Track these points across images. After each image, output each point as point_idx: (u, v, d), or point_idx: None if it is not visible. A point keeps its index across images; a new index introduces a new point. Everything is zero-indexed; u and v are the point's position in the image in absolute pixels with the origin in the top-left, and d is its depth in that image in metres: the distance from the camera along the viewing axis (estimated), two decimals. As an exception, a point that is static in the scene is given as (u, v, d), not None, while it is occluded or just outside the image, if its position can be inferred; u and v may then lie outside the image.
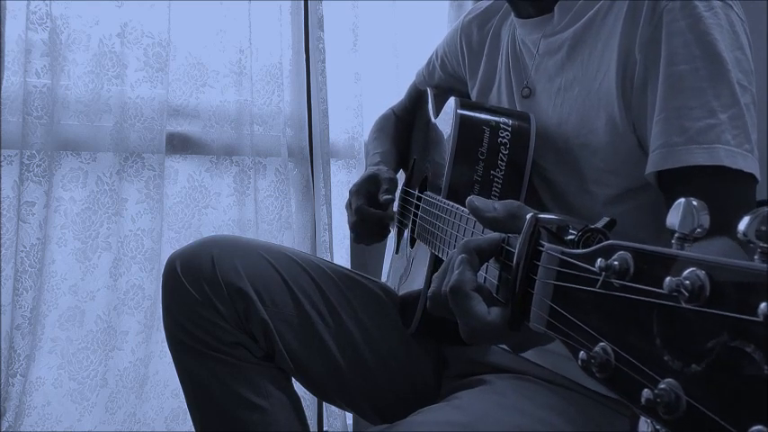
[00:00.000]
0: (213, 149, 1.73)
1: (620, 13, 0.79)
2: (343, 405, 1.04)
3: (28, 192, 1.46)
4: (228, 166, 1.75)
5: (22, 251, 1.46)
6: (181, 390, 0.99)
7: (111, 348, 1.60)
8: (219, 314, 0.93)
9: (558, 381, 0.82)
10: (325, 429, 1.83)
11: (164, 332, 1.00)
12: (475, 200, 0.58)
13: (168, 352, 1.00)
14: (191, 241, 1.05)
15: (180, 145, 1.70)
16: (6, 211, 1.47)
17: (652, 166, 0.73)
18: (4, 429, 1.46)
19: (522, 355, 0.84)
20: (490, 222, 0.57)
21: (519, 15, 0.93)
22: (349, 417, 1.83)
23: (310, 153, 1.84)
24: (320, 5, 1.82)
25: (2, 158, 1.47)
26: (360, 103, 1.91)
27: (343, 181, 1.95)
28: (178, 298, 0.96)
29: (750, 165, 0.71)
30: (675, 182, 0.73)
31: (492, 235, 0.57)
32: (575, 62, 0.84)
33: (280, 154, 1.78)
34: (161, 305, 1.00)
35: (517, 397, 0.79)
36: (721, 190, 0.71)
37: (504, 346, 0.87)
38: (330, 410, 1.83)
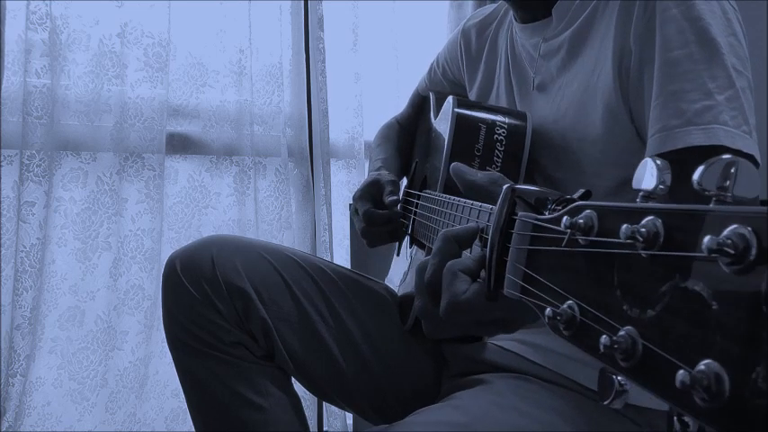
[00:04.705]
0: (213, 149, 1.73)
1: (614, 10, 0.80)
2: (343, 405, 1.04)
3: (28, 192, 1.46)
4: (228, 166, 1.75)
5: (22, 251, 1.46)
6: (181, 390, 0.99)
7: (111, 348, 1.60)
8: (219, 313, 0.94)
9: (559, 381, 0.82)
10: (325, 429, 1.83)
11: (164, 332, 1.00)
12: (459, 164, 0.60)
13: (168, 352, 1.00)
14: (191, 241, 1.05)
15: (180, 145, 1.70)
16: (6, 211, 1.47)
17: (651, 150, 0.73)
18: (4, 429, 1.46)
19: (522, 354, 0.84)
20: (470, 185, 0.58)
21: (521, 18, 0.94)
22: (349, 417, 1.83)
23: (310, 153, 1.84)
24: (320, 5, 1.82)
25: (2, 158, 1.47)
26: (360, 103, 1.91)
27: (343, 181, 1.95)
28: (178, 297, 0.96)
29: (749, 146, 0.71)
30: (672, 165, 0.72)
31: (469, 224, 0.59)
32: (575, 61, 0.85)
33: (280, 154, 1.79)
34: (161, 305, 1.00)
35: (516, 397, 0.79)
36: None
37: (504, 342, 0.87)
38: (330, 410, 1.83)
